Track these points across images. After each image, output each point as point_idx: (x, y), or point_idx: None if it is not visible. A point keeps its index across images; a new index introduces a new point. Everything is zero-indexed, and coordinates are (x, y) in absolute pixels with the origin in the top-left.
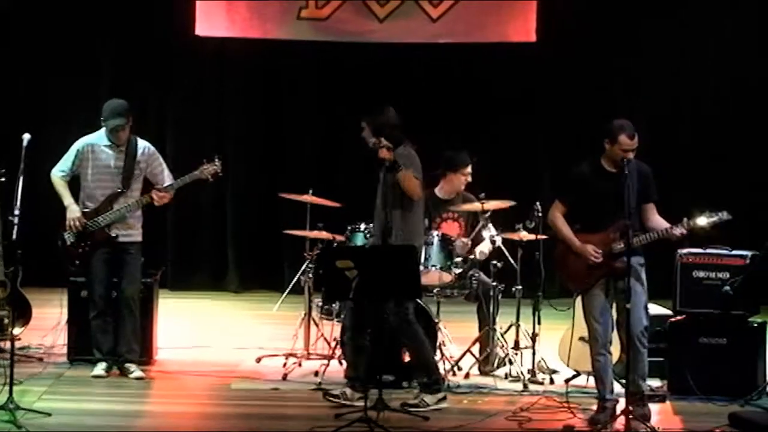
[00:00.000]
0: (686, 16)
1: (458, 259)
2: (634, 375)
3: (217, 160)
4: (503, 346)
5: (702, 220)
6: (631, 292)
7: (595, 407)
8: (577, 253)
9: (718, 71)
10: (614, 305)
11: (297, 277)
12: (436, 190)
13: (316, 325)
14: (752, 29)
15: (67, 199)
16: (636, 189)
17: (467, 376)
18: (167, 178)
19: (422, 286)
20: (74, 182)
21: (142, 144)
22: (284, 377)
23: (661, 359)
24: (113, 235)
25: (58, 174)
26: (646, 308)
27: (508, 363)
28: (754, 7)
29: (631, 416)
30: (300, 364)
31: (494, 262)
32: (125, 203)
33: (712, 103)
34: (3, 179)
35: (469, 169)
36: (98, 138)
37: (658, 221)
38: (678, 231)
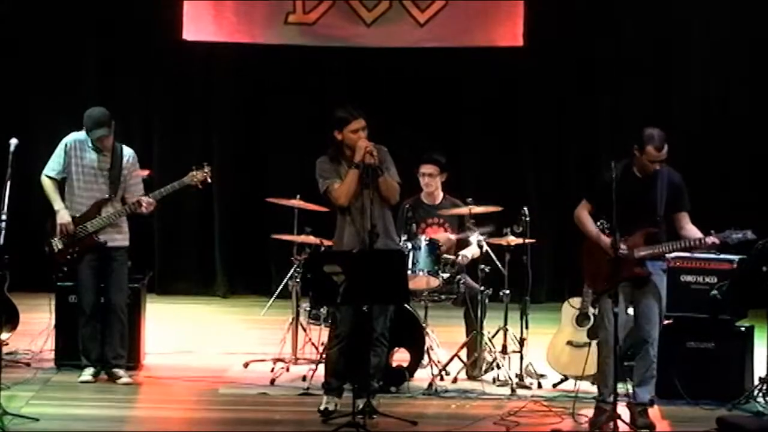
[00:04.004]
0: (675, 17)
1: (446, 256)
2: (635, 383)
3: (206, 167)
4: (491, 350)
5: (728, 236)
6: (619, 297)
7: (583, 411)
8: (602, 251)
9: (705, 74)
10: (631, 310)
11: (285, 281)
12: (422, 196)
13: (304, 329)
14: (742, 28)
15: (57, 203)
16: (665, 197)
17: (455, 380)
18: (141, 191)
19: (410, 290)
20: (62, 183)
21: (128, 151)
22: (272, 382)
23: None
24: (102, 241)
25: (49, 174)
26: (660, 318)
27: (495, 367)
28: (744, 6)
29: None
30: (288, 369)
31: (482, 266)
32: (113, 209)
33: (700, 106)
34: None
35: (425, 169)
36: (85, 136)
37: (692, 230)
38: (711, 240)
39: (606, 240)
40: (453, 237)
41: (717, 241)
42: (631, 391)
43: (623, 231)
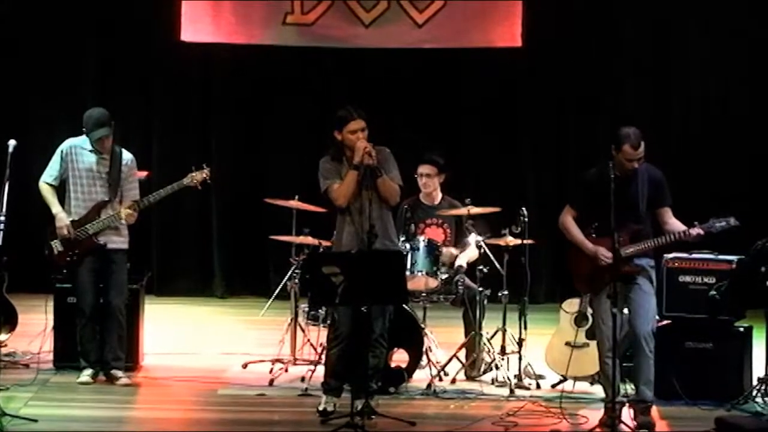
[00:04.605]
0: (674, 17)
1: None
2: (637, 381)
3: (205, 167)
4: (489, 351)
5: (711, 225)
6: (618, 297)
7: (581, 412)
8: (589, 256)
9: (705, 74)
10: (624, 309)
11: (283, 282)
12: (420, 196)
13: (303, 330)
14: (742, 28)
15: (56, 207)
16: (647, 194)
17: (454, 381)
18: (136, 196)
19: (408, 291)
20: (61, 189)
21: (127, 155)
22: (271, 383)
23: None
24: (101, 243)
25: (47, 180)
26: (653, 314)
27: (494, 368)
28: (744, 6)
29: (634, 425)
30: (286, 370)
31: (480, 267)
32: (113, 212)
33: (700, 106)
34: None
35: (423, 169)
36: (82, 141)
37: (675, 224)
38: (695, 231)
39: (591, 247)
40: (455, 251)
41: (701, 231)
42: (630, 391)
43: (608, 231)
